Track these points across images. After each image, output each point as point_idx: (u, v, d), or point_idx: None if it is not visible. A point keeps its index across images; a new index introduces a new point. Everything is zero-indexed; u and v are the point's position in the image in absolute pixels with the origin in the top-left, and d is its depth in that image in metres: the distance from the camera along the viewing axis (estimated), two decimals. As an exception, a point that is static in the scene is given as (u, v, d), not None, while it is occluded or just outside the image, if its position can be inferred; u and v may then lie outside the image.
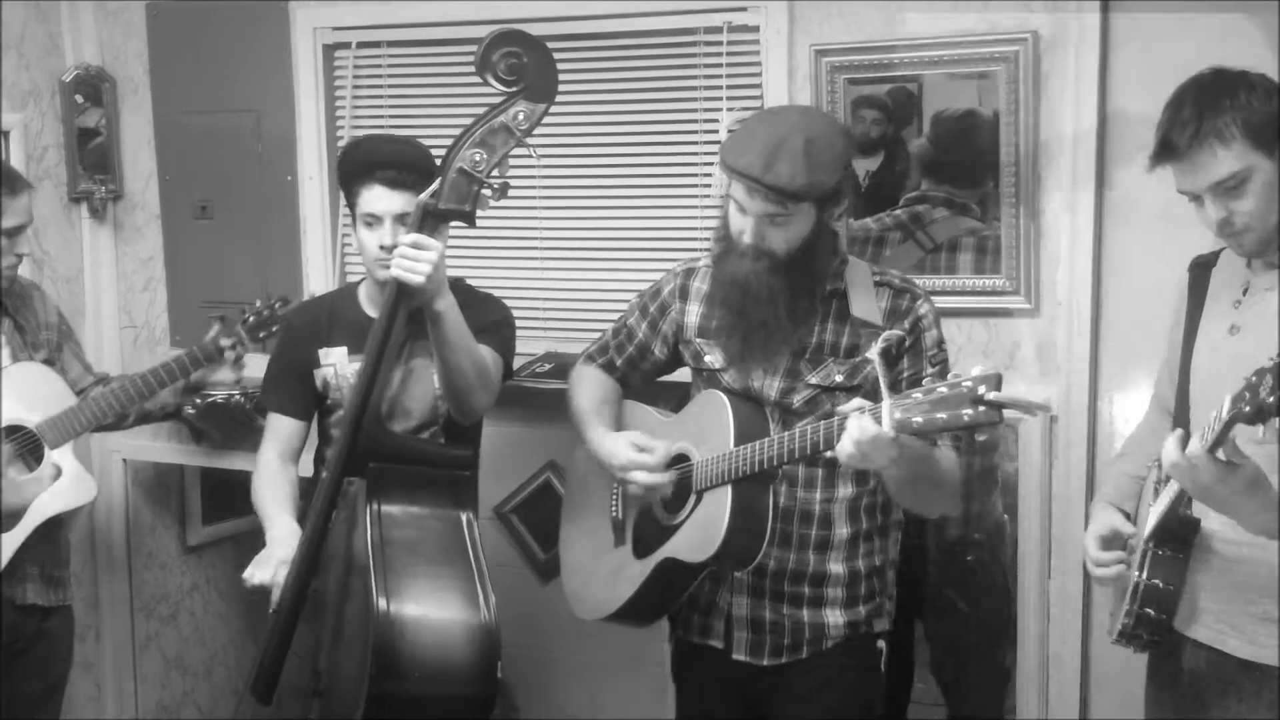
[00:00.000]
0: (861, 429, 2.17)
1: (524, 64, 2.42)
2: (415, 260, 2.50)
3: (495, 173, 2.47)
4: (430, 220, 2.53)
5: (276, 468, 2.93)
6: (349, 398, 2.67)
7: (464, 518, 2.60)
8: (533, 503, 3.61)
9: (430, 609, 2.48)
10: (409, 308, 2.56)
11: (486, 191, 2.49)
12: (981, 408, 2.04)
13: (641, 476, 2.57)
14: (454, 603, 2.50)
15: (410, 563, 2.50)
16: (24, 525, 3.08)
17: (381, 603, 2.42)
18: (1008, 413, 2.02)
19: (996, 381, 2.04)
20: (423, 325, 2.65)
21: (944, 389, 2.08)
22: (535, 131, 3.37)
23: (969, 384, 2.05)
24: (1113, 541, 2.36)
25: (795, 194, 2.38)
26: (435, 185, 2.48)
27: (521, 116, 2.44)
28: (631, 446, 2.59)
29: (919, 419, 2.10)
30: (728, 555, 2.44)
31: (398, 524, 2.54)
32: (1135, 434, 2.57)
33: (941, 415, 2.07)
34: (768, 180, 2.36)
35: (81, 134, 3.88)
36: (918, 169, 3.10)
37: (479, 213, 2.51)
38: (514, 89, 2.43)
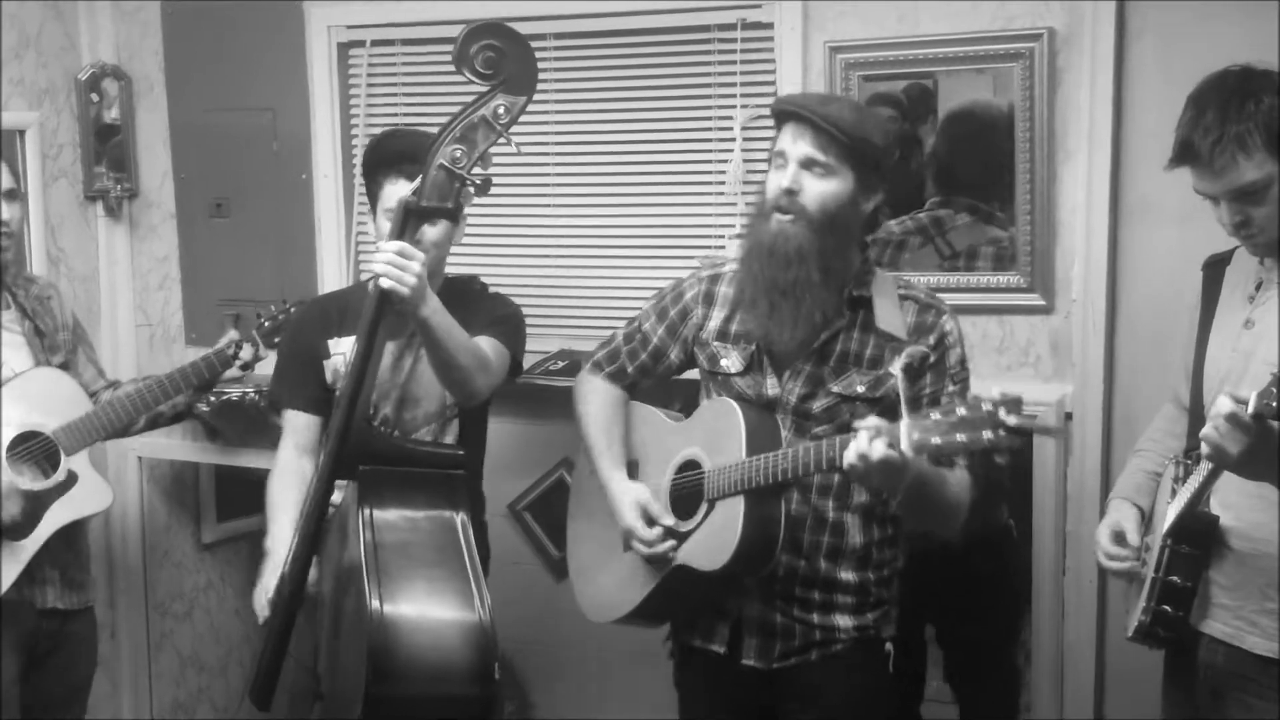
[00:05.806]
0: (872, 448, 2.16)
1: (502, 56, 2.35)
2: (403, 270, 2.44)
3: (477, 168, 2.41)
4: (413, 220, 2.47)
5: (293, 464, 2.93)
6: (338, 401, 2.61)
7: (458, 518, 2.57)
8: (547, 500, 3.61)
9: (425, 611, 2.46)
10: (391, 315, 2.50)
11: (469, 188, 2.43)
12: (1002, 431, 2.03)
13: (641, 550, 2.59)
14: (449, 604, 2.47)
15: (404, 565, 2.48)
16: (40, 532, 3.07)
17: (375, 605, 2.40)
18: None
19: (1017, 404, 2.02)
20: None
21: (963, 410, 2.07)
22: (550, 127, 3.47)
23: (989, 407, 2.04)
24: (1124, 537, 2.36)
25: (845, 132, 2.38)
26: (417, 184, 2.42)
27: (502, 110, 2.38)
28: (640, 514, 2.59)
29: (937, 439, 2.09)
30: (741, 563, 2.44)
31: (390, 526, 2.52)
32: (1151, 430, 2.56)
33: (961, 437, 2.06)
34: (821, 111, 2.40)
35: (97, 132, 3.89)
36: (930, 179, 3.10)
37: (464, 209, 2.46)
38: (493, 82, 2.38)
